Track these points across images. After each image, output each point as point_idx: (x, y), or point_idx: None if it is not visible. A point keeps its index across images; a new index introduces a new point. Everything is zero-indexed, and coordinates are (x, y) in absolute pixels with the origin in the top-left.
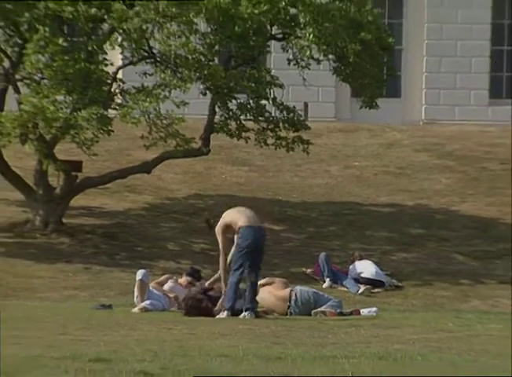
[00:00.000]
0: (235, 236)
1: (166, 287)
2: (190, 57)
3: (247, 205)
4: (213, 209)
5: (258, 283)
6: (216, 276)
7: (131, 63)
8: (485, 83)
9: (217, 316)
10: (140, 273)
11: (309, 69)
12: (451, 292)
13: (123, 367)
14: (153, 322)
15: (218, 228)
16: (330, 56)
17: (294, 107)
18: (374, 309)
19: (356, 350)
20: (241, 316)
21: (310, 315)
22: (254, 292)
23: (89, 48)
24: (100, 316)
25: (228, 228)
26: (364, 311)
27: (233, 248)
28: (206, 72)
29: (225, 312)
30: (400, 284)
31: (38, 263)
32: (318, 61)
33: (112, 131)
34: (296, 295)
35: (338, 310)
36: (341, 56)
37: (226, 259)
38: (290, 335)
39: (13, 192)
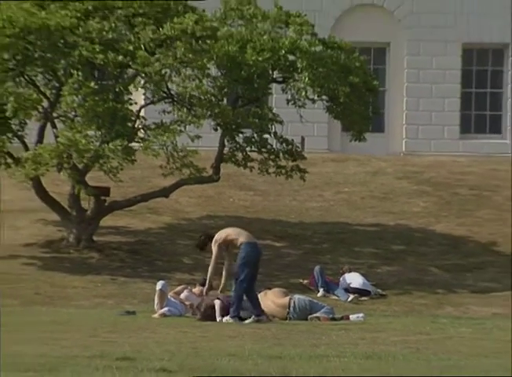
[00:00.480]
0: (239, 251)
1: (182, 295)
2: (203, 98)
3: (253, 224)
4: (223, 228)
5: (262, 292)
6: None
7: (152, 102)
8: (456, 120)
9: (225, 319)
10: (159, 284)
11: (305, 108)
12: (428, 300)
13: (145, 365)
14: (171, 326)
15: (218, 242)
16: (324, 97)
17: (292, 140)
18: (361, 314)
19: (346, 350)
20: (248, 321)
21: (306, 320)
22: (256, 300)
23: (117, 89)
24: (125, 321)
25: (228, 243)
26: (353, 316)
27: (237, 261)
28: (216, 111)
29: (231, 320)
30: (383, 293)
31: (72, 275)
32: (313, 101)
33: (135, 161)
34: (294, 303)
35: (331, 316)
36: (332, 96)
37: (215, 267)
38: (289, 337)
39: (50, 214)
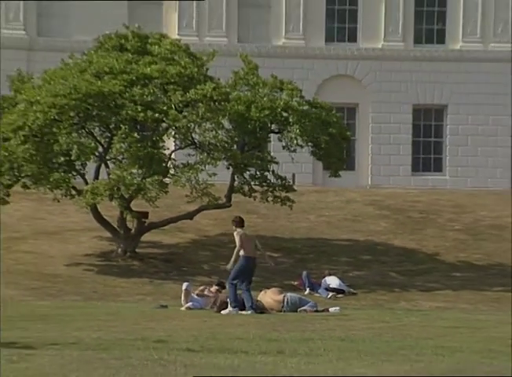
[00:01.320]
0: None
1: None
2: (218, 145)
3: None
4: (234, 243)
5: (263, 292)
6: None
7: (180, 148)
8: (409, 162)
9: (223, 312)
10: (185, 284)
11: (296, 152)
12: (388, 297)
13: (175, 345)
14: (194, 316)
15: (240, 237)
16: (309, 144)
17: (285, 176)
18: (338, 308)
19: (326, 334)
20: (245, 312)
21: (296, 312)
22: (251, 296)
23: (153, 139)
24: (160, 313)
25: (241, 241)
26: (332, 309)
27: (235, 266)
28: (228, 154)
29: (234, 310)
30: (355, 292)
31: (120, 278)
32: (301, 147)
33: (167, 192)
34: (287, 299)
35: (315, 309)
36: (316, 143)
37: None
38: (283, 325)
39: (104, 232)
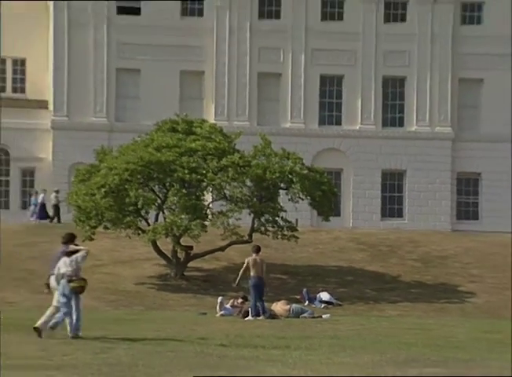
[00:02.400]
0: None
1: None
2: (243, 198)
3: (269, 266)
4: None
5: (275, 303)
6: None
7: (215, 200)
8: (379, 210)
9: (246, 318)
10: (219, 298)
11: (298, 203)
12: (364, 307)
13: (212, 342)
14: (226, 321)
15: (247, 261)
16: (308, 197)
17: (291, 221)
18: (328, 315)
19: (320, 334)
20: (260, 317)
21: (299, 318)
22: (263, 306)
23: (197, 194)
24: (201, 318)
25: (249, 265)
26: (324, 316)
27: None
28: (250, 205)
29: (253, 317)
30: (340, 303)
31: (172, 293)
32: (302, 199)
33: (206, 231)
34: (292, 309)
35: (312, 316)
36: (312, 197)
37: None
38: (289, 327)
39: (161, 260)
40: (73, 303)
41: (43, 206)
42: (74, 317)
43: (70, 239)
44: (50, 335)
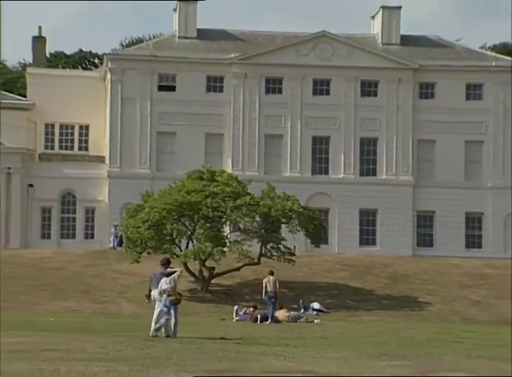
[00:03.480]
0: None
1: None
2: (253, 230)
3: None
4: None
5: (278, 311)
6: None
7: (232, 231)
8: (357, 239)
9: (256, 322)
10: (235, 307)
11: (296, 233)
12: (346, 314)
13: (231, 340)
14: (240, 325)
15: (264, 281)
16: (303, 229)
17: (290, 248)
18: (319, 320)
19: (312, 335)
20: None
21: (296, 322)
22: (273, 313)
23: (217, 227)
24: (221, 322)
25: (265, 283)
26: (316, 321)
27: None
28: (259, 235)
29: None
30: (328, 311)
31: (199, 303)
32: (298, 231)
33: (225, 256)
34: (291, 315)
35: (306, 321)
36: (307, 229)
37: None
38: (289, 330)
39: (190, 278)
40: (172, 312)
41: (121, 237)
42: (172, 323)
43: (167, 262)
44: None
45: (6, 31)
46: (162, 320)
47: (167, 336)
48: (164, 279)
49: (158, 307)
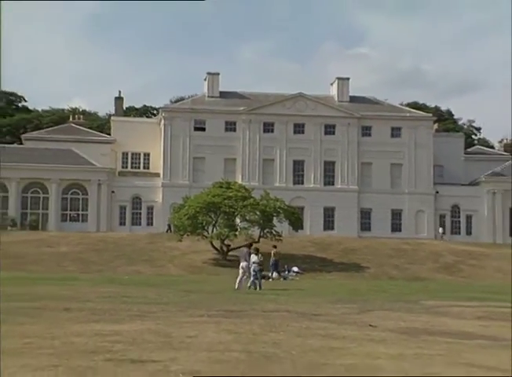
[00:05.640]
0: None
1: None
2: (255, 220)
3: (266, 255)
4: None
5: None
6: None
7: (242, 222)
8: (322, 225)
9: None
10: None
11: (282, 223)
12: (315, 274)
13: (239, 291)
14: (246, 281)
15: (272, 252)
16: (287, 220)
17: (278, 231)
18: (298, 278)
19: (292, 287)
20: (269, 280)
21: (285, 280)
22: (273, 274)
23: (232, 219)
24: (234, 279)
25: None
26: (296, 279)
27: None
28: (259, 223)
29: (272, 280)
30: (303, 273)
31: (220, 267)
32: (284, 221)
33: (236, 237)
34: (283, 275)
35: (290, 279)
36: (290, 220)
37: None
38: (278, 285)
39: (214, 251)
40: (259, 276)
41: (169, 225)
42: (258, 283)
43: (251, 244)
44: (245, 291)
45: (97, 94)
46: (252, 279)
47: (255, 289)
48: (253, 255)
49: (241, 274)
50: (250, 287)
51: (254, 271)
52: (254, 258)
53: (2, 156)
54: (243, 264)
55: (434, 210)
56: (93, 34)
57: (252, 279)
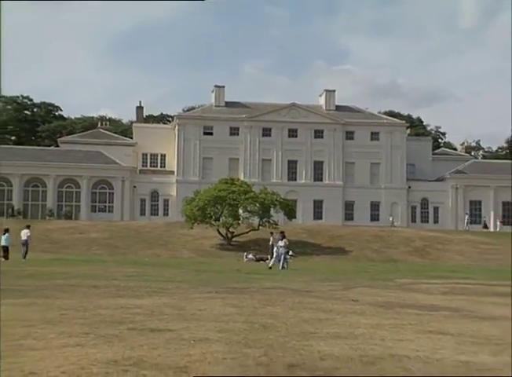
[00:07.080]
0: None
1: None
2: (256, 211)
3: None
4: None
5: (269, 256)
6: None
7: (244, 212)
8: (311, 215)
9: (261, 262)
10: (245, 253)
11: (277, 213)
12: (306, 257)
13: (243, 271)
14: (248, 264)
15: (273, 238)
16: (282, 210)
17: (275, 220)
18: (291, 260)
19: (290, 268)
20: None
21: (279, 262)
22: (271, 257)
23: (236, 210)
24: (237, 262)
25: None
26: (290, 261)
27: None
28: (259, 214)
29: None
30: (296, 255)
31: (225, 251)
32: (280, 212)
33: (239, 225)
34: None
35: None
36: (284, 210)
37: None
38: (275, 266)
39: (220, 237)
40: (286, 257)
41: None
42: (286, 264)
43: (282, 233)
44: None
45: (121, 104)
46: (282, 261)
47: (282, 268)
48: (282, 240)
49: (273, 257)
50: (282, 268)
51: (281, 253)
52: (280, 242)
53: (42, 157)
54: (275, 248)
55: (407, 203)
56: (118, 52)
57: (282, 261)
